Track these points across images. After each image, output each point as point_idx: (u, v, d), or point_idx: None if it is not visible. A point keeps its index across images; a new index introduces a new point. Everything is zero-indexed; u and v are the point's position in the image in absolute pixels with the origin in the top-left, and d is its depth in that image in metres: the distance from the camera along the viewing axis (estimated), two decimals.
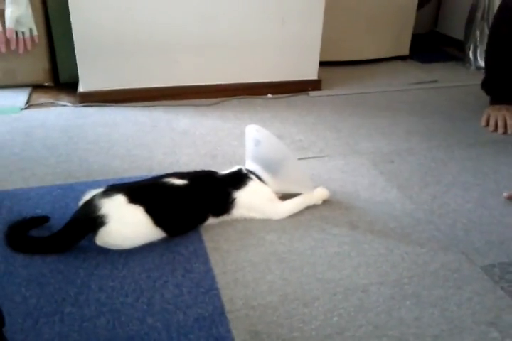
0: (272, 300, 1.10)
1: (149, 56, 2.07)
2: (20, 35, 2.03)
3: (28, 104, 2.06)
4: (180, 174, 1.34)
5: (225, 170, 1.41)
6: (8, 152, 1.69)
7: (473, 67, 2.65)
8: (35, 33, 2.06)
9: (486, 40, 2.52)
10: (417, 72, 2.59)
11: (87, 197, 1.25)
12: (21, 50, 2.06)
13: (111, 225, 1.19)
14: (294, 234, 1.32)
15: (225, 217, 1.35)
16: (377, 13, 2.58)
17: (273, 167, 1.39)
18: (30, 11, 2.01)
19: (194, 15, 2.04)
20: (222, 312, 1.06)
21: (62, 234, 1.21)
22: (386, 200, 1.48)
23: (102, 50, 2.02)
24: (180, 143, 1.79)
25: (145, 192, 1.27)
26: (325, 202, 1.43)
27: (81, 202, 1.25)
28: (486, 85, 2.07)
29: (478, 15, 2.57)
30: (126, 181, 1.39)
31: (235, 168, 1.41)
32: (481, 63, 2.60)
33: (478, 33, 2.61)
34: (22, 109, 2.02)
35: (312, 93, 2.27)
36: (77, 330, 1.01)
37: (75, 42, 1.98)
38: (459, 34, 2.80)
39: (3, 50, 2.03)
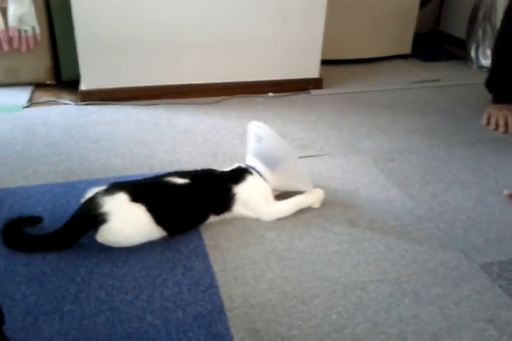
0: (271, 298, 1.11)
1: (151, 55, 2.07)
2: (22, 34, 2.04)
3: (30, 103, 2.06)
4: (182, 173, 1.35)
5: (225, 168, 1.42)
6: (9, 150, 1.69)
7: (475, 66, 2.65)
8: (37, 31, 2.07)
9: (488, 40, 2.53)
10: (418, 71, 2.59)
11: (89, 194, 1.26)
12: (24, 48, 2.06)
13: (112, 223, 1.19)
14: (293, 232, 1.32)
15: (225, 215, 1.35)
16: (380, 12, 2.58)
17: (273, 164, 1.39)
18: (33, 9, 2.02)
19: (196, 14, 2.04)
20: (221, 310, 1.06)
21: (64, 231, 1.21)
22: (386, 198, 1.48)
23: (104, 49, 2.03)
24: (182, 141, 1.79)
25: (147, 191, 1.28)
26: (325, 200, 1.43)
27: (83, 200, 1.26)
28: (490, 83, 2.07)
29: (481, 14, 2.57)
30: (128, 179, 1.40)
31: (235, 166, 1.42)
32: (483, 62, 2.60)
33: (480, 32, 2.60)
34: (24, 107, 2.02)
35: (313, 91, 2.27)
36: (76, 328, 1.01)
37: (77, 41, 1.99)
38: (461, 33, 2.79)
39: (6, 48, 2.04)
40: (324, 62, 2.31)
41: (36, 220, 1.29)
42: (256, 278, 1.16)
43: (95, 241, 1.22)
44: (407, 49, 2.75)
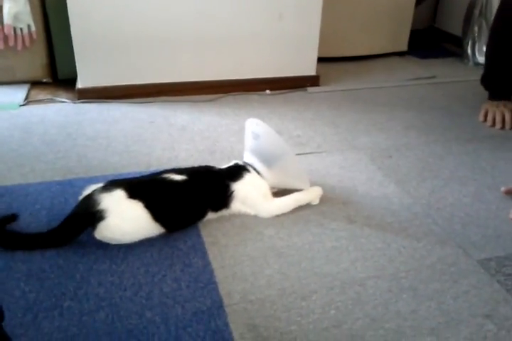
0: (270, 294, 1.11)
1: (147, 52, 2.07)
2: (18, 32, 2.04)
3: (27, 101, 2.06)
4: (179, 170, 1.35)
5: (223, 166, 1.42)
6: (6, 148, 1.69)
7: (471, 63, 2.65)
8: (33, 29, 2.06)
9: (483, 36, 2.54)
10: (415, 68, 2.60)
11: (86, 192, 1.26)
12: (20, 46, 2.06)
13: (110, 220, 1.19)
14: (292, 229, 1.32)
15: (223, 212, 1.35)
16: (376, 9, 2.58)
17: (271, 161, 1.39)
18: (28, 7, 2.02)
19: (192, 12, 2.04)
20: (220, 306, 1.07)
21: (62, 229, 1.22)
22: (384, 195, 1.48)
23: (100, 47, 2.02)
24: (179, 139, 1.79)
25: (144, 188, 1.28)
26: (322, 197, 1.44)
27: (81, 197, 1.26)
28: (485, 80, 2.08)
29: (476, 11, 2.57)
30: (125, 177, 1.39)
31: (232, 163, 1.42)
32: (479, 59, 2.60)
33: (476, 29, 2.61)
34: (20, 105, 2.02)
35: (310, 89, 2.27)
36: (76, 324, 1.01)
37: (73, 39, 1.98)
38: (457, 30, 2.80)
39: (2, 46, 2.04)
40: (321, 60, 2.31)
41: (12, 218, 1.29)
42: (255, 274, 1.16)
43: (94, 239, 1.22)
44: (403, 46, 2.75)
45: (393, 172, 1.60)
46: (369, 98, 2.21)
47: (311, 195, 1.42)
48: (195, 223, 1.32)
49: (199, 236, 1.28)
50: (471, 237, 1.31)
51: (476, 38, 2.61)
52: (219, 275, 1.16)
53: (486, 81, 2.07)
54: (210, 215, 1.33)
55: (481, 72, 2.10)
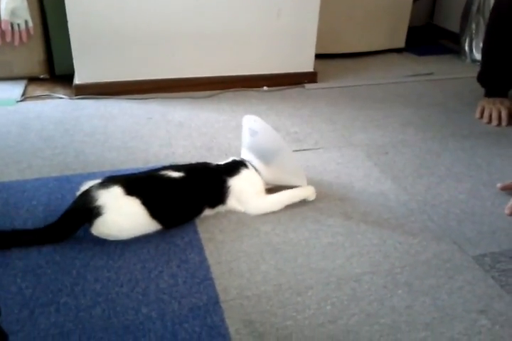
0: (266, 289, 1.11)
1: (145, 48, 2.07)
2: (15, 27, 2.03)
3: (24, 97, 2.06)
4: (177, 166, 1.35)
5: (220, 162, 1.42)
6: (3, 144, 1.69)
7: (468, 60, 2.66)
8: (30, 24, 2.06)
9: (481, 33, 2.54)
10: (412, 65, 2.60)
11: (83, 188, 1.26)
12: (17, 42, 2.06)
13: (107, 216, 1.20)
14: (288, 225, 1.33)
15: (220, 208, 1.36)
16: (374, 6, 2.58)
17: (268, 157, 1.40)
18: (25, 2, 2.01)
19: (189, 8, 2.03)
20: (216, 302, 1.07)
21: (59, 225, 1.22)
22: (380, 191, 1.49)
23: (98, 43, 2.02)
24: (176, 135, 1.79)
25: (142, 185, 1.28)
26: (319, 193, 1.44)
27: (78, 193, 1.26)
28: (481, 77, 2.08)
29: (474, 8, 2.57)
30: (123, 173, 1.40)
31: (229, 159, 1.42)
32: (477, 56, 2.60)
33: (473, 26, 2.61)
34: (18, 101, 2.02)
35: (308, 85, 2.27)
36: (72, 320, 1.02)
37: (70, 35, 1.98)
38: (454, 27, 2.80)
39: None
40: (318, 56, 2.31)
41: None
42: (251, 270, 1.17)
43: (90, 235, 1.22)
44: (401, 43, 2.75)
45: (390, 169, 1.61)
46: (366, 95, 2.21)
47: (306, 191, 1.42)
48: (192, 219, 1.32)
49: (196, 232, 1.29)
50: (466, 233, 1.31)
51: (474, 35, 2.61)
52: (215, 271, 1.16)
53: (483, 78, 2.07)
54: (207, 212, 1.34)
55: (478, 68, 2.10)
